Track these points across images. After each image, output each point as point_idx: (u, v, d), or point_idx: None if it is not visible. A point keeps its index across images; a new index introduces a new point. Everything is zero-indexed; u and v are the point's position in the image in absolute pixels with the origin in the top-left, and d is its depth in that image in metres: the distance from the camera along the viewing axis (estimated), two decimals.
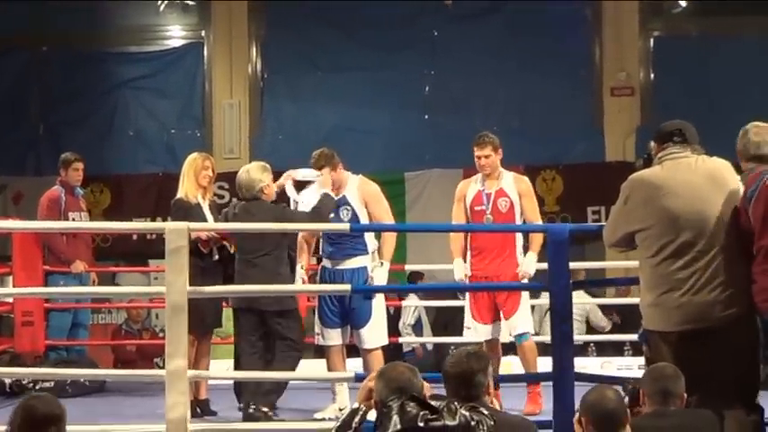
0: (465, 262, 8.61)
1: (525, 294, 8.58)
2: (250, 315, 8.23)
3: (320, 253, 8.61)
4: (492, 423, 4.64)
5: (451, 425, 4.41)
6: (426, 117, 16.42)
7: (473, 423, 4.53)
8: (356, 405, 4.90)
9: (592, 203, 15.50)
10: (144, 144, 16.42)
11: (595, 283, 13.46)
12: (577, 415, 4.82)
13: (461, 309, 12.96)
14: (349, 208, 8.39)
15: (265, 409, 7.95)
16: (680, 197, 5.56)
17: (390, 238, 8.47)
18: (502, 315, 8.54)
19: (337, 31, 16.30)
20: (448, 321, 13.66)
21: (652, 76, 16.42)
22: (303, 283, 8.47)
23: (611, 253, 14.17)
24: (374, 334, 8.41)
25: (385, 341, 8.65)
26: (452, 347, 12.29)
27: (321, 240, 8.53)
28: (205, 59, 16.85)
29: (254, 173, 8.36)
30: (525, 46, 15.98)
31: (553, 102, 15.85)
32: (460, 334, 11.75)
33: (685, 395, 5.16)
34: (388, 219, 8.52)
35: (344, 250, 8.35)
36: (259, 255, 8.21)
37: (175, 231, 6.62)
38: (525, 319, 8.55)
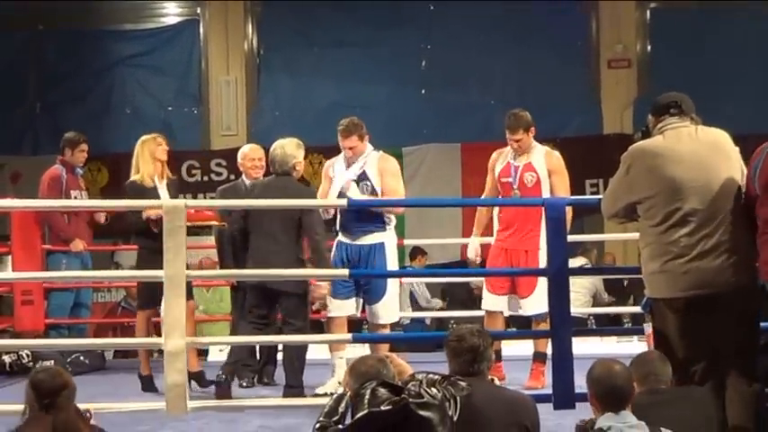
0: (493, 235, 8.60)
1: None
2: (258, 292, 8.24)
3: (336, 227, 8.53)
4: (465, 395, 4.69)
5: (417, 402, 4.45)
6: (423, 92, 16.44)
7: (439, 397, 4.60)
8: (341, 390, 4.96)
9: (590, 176, 15.48)
10: (141, 122, 16.33)
11: (593, 272, 13.40)
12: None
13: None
14: (369, 183, 8.32)
15: (224, 375, 7.97)
16: (684, 165, 5.55)
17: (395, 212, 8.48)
18: (518, 291, 8.51)
19: (333, 7, 16.29)
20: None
21: (649, 48, 16.41)
22: None
23: (610, 225, 14.34)
24: (388, 310, 8.37)
25: (397, 317, 8.64)
26: (452, 322, 12.39)
27: (338, 215, 8.47)
28: (201, 36, 16.86)
29: (289, 149, 8.31)
30: (522, 19, 15.99)
31: (550, 75, 15.85)
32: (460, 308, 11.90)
33: (672, 379, 5.21)
34: (397, 191, 8.38)
35: (362, 226, 8.29)
36: (278, 232, 8.16)
37: (173, 210, 6.61)
38: (543, 298, 8.47)
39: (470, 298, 13.09)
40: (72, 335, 10.26)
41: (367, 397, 4.50)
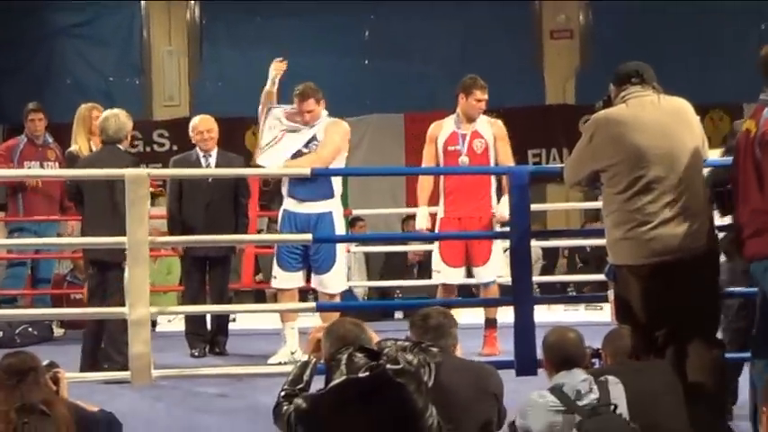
0: (438, 205, 8.65)
1: (497, 241, 8.62)
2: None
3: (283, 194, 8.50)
4: (438, 360, 4.76)
5: (394, 369, 4.43)
6: (366, 62, 16.44)
7: (415, 362, 4.63)
8: (305, 357, 4.96)
9: (533, 146, 15.60)
10: (82, 92, 16.07)
11: (553, 234, 13.48)
12: None
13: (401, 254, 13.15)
14: (317, 143, 8.32)
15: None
16: (648, 133, 5.59)
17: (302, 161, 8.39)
18: (472, 261, 8.58)
19: None
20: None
21: (591, 18, 16.46)
22: None
23: (552, 195, 14.45)
24: (337, 279, 8.39)
25: (345, 286, 8.69)
26: (398, 291, 12.43)
27: (283, 183, 8.45)
28: (142, 6, 16.71)
29: (123, 117, 8.21)
30: None
31: (493, 46, 15.88)
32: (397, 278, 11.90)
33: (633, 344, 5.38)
34: (321, 154, 8.24)
35: (310, 192, 8.28)
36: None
37: (135, 180, 6.56)
38: (495, 266, 8.59)
39: (406, 269, 13.11)
40: (36, 306, 10.23)
41: (344, 362, 4.48)
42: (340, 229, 8.46)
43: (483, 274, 8.58)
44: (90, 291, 8.03)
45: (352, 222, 13.80)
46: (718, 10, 15.58)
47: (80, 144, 8.78)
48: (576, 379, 4.84)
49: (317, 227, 8.20)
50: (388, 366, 4.44)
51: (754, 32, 15.36)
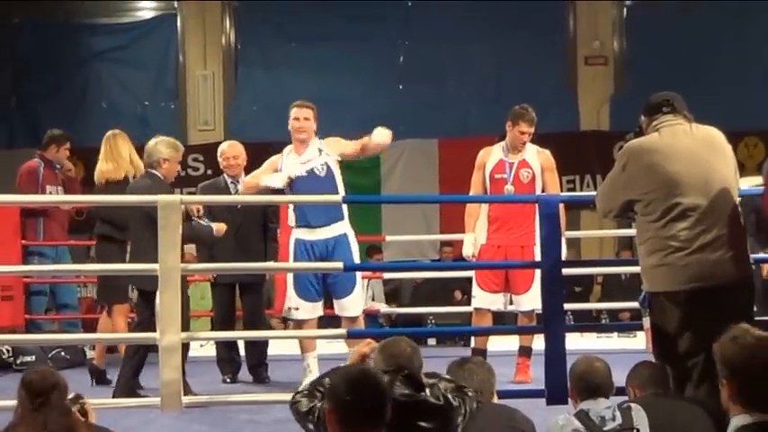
0: (483, 232, 8.62)
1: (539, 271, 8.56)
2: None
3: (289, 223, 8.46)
4: (475, 406, 4.68)
5: (430, 402, 4.42)
6: (401, 87, 16.44)
7: (455, 404, 4.57)
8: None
9: (567, 173, 15.50)
10: (117, 117, 16.21)
11: (583, 264, 13.39)
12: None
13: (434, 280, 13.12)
14: (324, 165, 8.30)
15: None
16: (682, 161, 5.59)
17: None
18: (512, 288, 8.53)
19: (310, 1, 16.22)
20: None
21: (625, 44, 16.43)
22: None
23: (586, 222, 14.41)
24: (357, 302, 8.36)
25: (362, 309, 8.58)
26: (431, 318, 12.40)
27: (291, 210, 8.41)
28: (178, 31, 16.78)
29: (161, 145, 8.18)
30: (499, 14, 15.94)
31: (527, 71, 15.86)
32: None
33: (671, 373, 5.42)
34: (351, 144, 8.31)
35: (323, 217, 8.17)
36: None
37: (168, 206, 6.57)
38: (536, 296, 8.50)
39: (444, 296, 13.10)
40: (64, 331, 10.24)
41: (386, 380, 4.44)
42: (355, 249, 8.40)
43: (523, 303, 8.52)
44: (138, 318, 8.03)
45: (368, 252, 13.75)
46: (754, 37, 15.54)
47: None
48: (600, 406, 4.85)
49: (335, 251, 8.17)
50: (429, 399, 4.43)
51: None
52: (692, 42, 15.67)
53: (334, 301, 8.36)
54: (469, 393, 4.75)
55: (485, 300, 8.60)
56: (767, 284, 9.22)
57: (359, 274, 8.40)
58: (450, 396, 4.58)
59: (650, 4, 16.37)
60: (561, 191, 14.62)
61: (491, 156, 8.65)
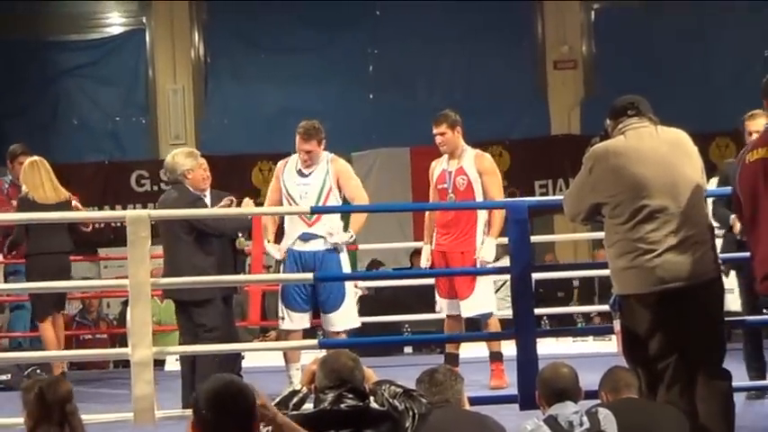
0: (433, 239, 8.65)
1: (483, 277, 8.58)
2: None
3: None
4: (423, 411, 4.69)
5: (375, 409, 4.48)
6: (371, 96, 16.46)
7: (400, 409, 4.61)
8: (298, 387, 4.92)
9: (539, 177, 15.61)
10: (88, 133, 16.32)
11: (553, 268, 13.42)
12: None
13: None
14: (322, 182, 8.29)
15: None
16: (648, 163, 5.60)
17: (360, 216, 8.45)
18: (458, 294, 8.55)
19: (279, 13, 16.25)
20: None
21: (594, 48, 16.49)
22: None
23: (560, 226, 14.46)
24: (346, 317, 8.28)
25: (357, 323, 8.54)
26: (406, 326, 12.39)
27: (285, 221, 8.40)
28: (147, 45, 16.78)
29: (179, 157, 8.19)
30: (467, 22, 15.99)
31: (497, 77, 15.94)
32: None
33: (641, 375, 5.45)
34: (361, 194, 8.36)
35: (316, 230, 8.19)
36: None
37: (137, 221, 6.56)
38: (482, 300, 8.49)
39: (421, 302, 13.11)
40: (34, 348, 10.19)
41: (330, 398, 4.51)
42: (346, 265, 8.42)
43: (467, 308, 8.53)
44: (180, 331, 8.09)
45: (369, 268, 13.76)
46: (723, 38, 15.62)
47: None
48: (567, 410, 4.88)
49: (324, 264, 8.15)
50: (372, 406, 4.49)
51: (759, 60, 15.41)
52: (661, 44, 15.75)
53: (321, 315, 8.32)
54: (421, 399, 4.77)
55: (442, 305, 8.67)
56: (749, 283, 9.26)
57: (349, 289, 8.36)
58: (395, 401, 4.63)
59: (618, 6, 16.48)
60: (534, 194, 14.90)
61: (437, 167, 8.68)
